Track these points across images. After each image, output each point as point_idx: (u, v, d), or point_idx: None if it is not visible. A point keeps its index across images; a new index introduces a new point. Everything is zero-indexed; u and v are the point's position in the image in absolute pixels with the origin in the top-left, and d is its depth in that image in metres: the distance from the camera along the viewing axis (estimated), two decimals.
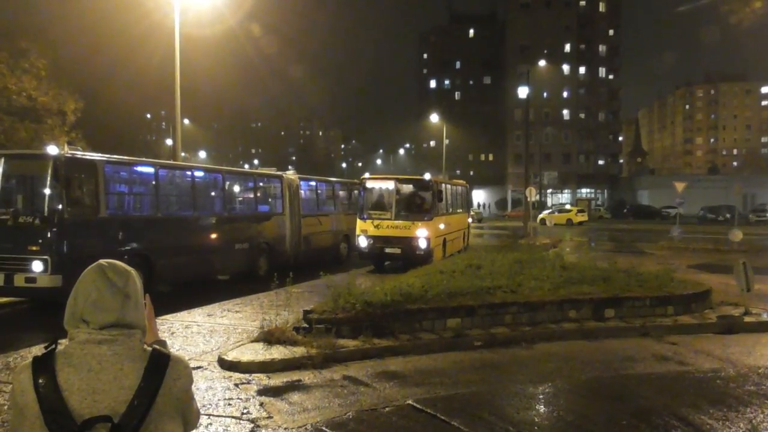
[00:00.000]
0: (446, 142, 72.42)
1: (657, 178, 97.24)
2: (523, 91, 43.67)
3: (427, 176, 19.88)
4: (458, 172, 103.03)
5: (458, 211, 24.61)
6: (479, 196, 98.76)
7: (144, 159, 14.57)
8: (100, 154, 13.18)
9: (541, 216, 60.97)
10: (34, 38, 22.23)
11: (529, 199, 39.15)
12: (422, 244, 18.44)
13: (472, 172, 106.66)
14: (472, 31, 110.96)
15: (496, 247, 20.13)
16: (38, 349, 6.95)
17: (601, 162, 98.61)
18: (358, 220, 19.21)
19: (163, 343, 2.16)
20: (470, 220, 29.47)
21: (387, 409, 6.74)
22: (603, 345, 10.08)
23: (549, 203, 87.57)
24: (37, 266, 11.34)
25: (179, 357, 1.98)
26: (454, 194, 23.94)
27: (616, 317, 11.25)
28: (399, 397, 7.13)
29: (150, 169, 14.35)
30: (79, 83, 25.20)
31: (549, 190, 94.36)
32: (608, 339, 10.38)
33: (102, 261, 2.00)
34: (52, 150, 11.76)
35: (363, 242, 18.95)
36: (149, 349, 1.94)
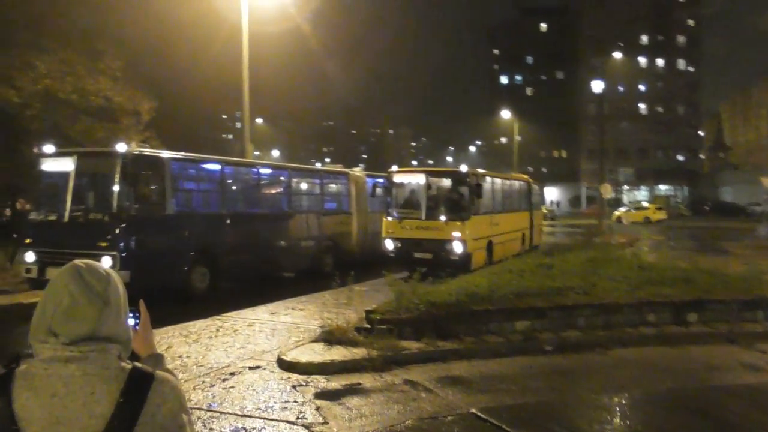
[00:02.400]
0: (518, 138, 71.15)
1: (741, 174, 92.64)
2: (597, 85, 42.18)
3: (464, 168, 16.80)
4: (530, 168, 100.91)
5: (514, 208, 21.73)
6: (552, 194, 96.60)
7: (210, 156, 14.61)
8: (167, 151, 13.27)
9: (616, 213, 59.04)
10: (109, 40, 22.76)
11: (603, 196, 37.86)
12: (457, 247, 15.67)
13: (544, 169, 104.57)
14: (543, 25, 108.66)
15: (569, 246, 19.41)
16: None
17: (680, 157, 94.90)
18: (384, 220, 16.76)
19: (158, 358, 1.87)
20: (532, 218, 26.26)
21: (449, 417, 6.37)
22: (685, 352, 9.39)
23: (625, 200, 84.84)
24: (106, 262, 11.44)
25: (165, 377, 1.67)
26: (508, 190, 21.14)
27: (700, 322, 10.49)
28: (462, 404, 6.74)
29: (216, 166, 14.38)
30: (152, 83, 25.69)
31: (625, 187, 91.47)
32: (691, 345, 9.67)
33: (78, 261, 1.71)
34: (120, 147, 11.87)
35: (390, 245, 16.50)
36: (128, 367, 1.63)
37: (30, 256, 12.14)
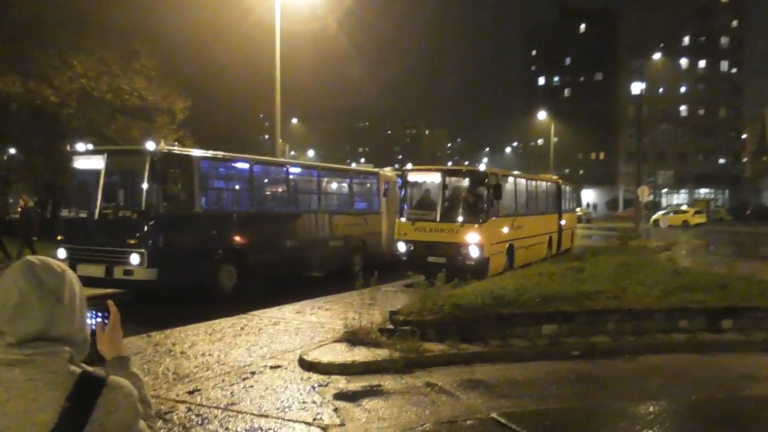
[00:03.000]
0: (554, 140, 70.36)
1: None
2: (636, 87, 41.46)
3: (483, 167, 15.84)
4: (567, 171, 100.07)
5: (541, 211, 20.53)
6: (589, 196, 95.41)
7: (239, 155, 14.65)
8: (196, 150, 13.34)
9: (654, 217, 57.97)
10: (145, 40, 23.06)
11: (641, 199, 37.17)
12: (473, 252, 14.59)
13: (581, 171, 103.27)
14: (582, 26, 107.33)
15: (602, 249, 19.05)
16: (131, 342, 6.92)
17: (721, 161, 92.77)
18: (397, 221, 15.83)
19: (123, 361, 1.78)
20: (560, 221, 23.90)
21: (468, 422, 6.22)
22: (718, 360, 9.08)
23: (663, 204, 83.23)
24: (134, 259, 11.58)
25: (119, 383, 1.56)
26: (533, 191, 20.02)
27: (735, 329, 10.13)
28: (483, 408, 6.59)
29: (245, 165, 14.42)
30: (187, 83, 25.97)
31: (664, 190, 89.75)
32: (724, 354, 9.35)
33: (31, 257, 1.63)
34: (149, 145, 11.97)
35: (402, 248, 15.48)
36: (78, 371, 1.53)
37: (61, 253, 12.30)
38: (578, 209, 68.31)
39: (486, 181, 15.15)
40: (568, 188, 25.69)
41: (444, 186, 15.41)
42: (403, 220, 15.68)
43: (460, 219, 15.14)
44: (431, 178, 15.93)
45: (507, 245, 16.22)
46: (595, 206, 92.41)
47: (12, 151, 27.95)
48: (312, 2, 22.95)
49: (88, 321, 1.80)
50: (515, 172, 19.65)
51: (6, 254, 17.11)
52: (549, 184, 22.46)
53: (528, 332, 9.34)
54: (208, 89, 30.48)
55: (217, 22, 26.93)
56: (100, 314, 1.83)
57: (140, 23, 23.10)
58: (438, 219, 15.13)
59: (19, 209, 18.24)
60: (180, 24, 25.34)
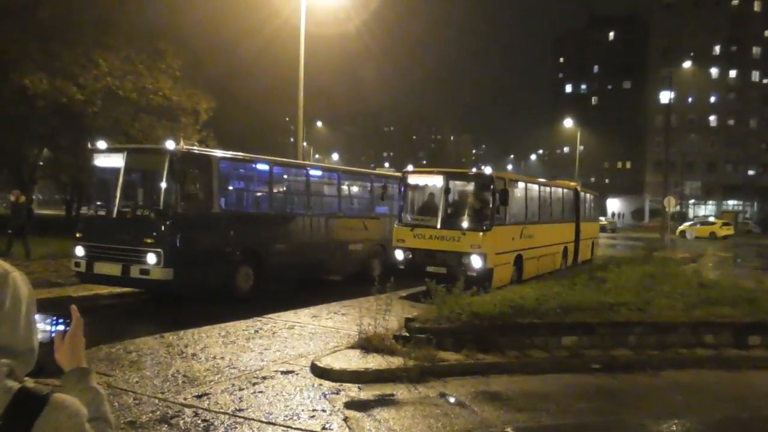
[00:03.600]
0: (580, 148, 69.68)
1: None
2: (665, 96, 40.94)
3: (488, 170, 14.44)
4: (592, 179, 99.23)
5: (556, 219, 19.23)
6: (614, 205, 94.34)
7: (259, 156, 14.56)
8: (216, 150, 13.27)
9: (681, 228, 57.05)
10: (171, 40, 23.16)
11: (667, 210, 36.58)
12: (475, 262, 13.49)
13: (607, 180, 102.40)
14: (612, 34, 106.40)
15: (627, 259, 18.67)
16: (143, 342, 6.82)
17: (750, 172, 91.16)
18: (395, 227, 14.76)
19: (83, 373, 1.61)
20: (578, 230, 21.91)
21: None
22: (744, 377, 8.77)
23: (690, 215, 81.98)
24: (151, 258, 11.49)
25: (62, 401, 1.39)
26: (547, 198, 18.70)
27: (762, 345, 9.79)
28: (497, 422, 6.37)
29: (265, 167, 14.33)
30: (212, 84, 26.07)
31: (691, 201, 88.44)
32: (751, 370, 9.03)
33: None
34: (169, 145, 11.90)
35: (399, 256, 14.42)
36: (15, 387, 1.36)
37: (79, 251, 12.28)
38: (603, 218, 67.76)
39: (491, 185, 14.00)
40: (588, 196, 24.61)
41: (446, 190, 14.34)
42: (401, 225, 14.65)
43: (463, 226, 14.02)
44: (432, 182, 14.89)
45: (515, 255, 15.10)
46: (621, 215, 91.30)
47: (44, 149, 28.25)
48: (338, 5, 22.87)
49: (48, 327, 1.64)
50: (525, 177, 18.70)
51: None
52: (565, 191, 21.11)
53: (547, 343, 9.09)
54: (232, 91, 30.59)
55: (243, 24, 27.02)
56: (61, 320, 1.66)
57: (167, 23, 23.23)
58: (438, 225, 14.07)
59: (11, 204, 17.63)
60: (206, 25, 25.46)
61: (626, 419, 6.95)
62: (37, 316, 1.62)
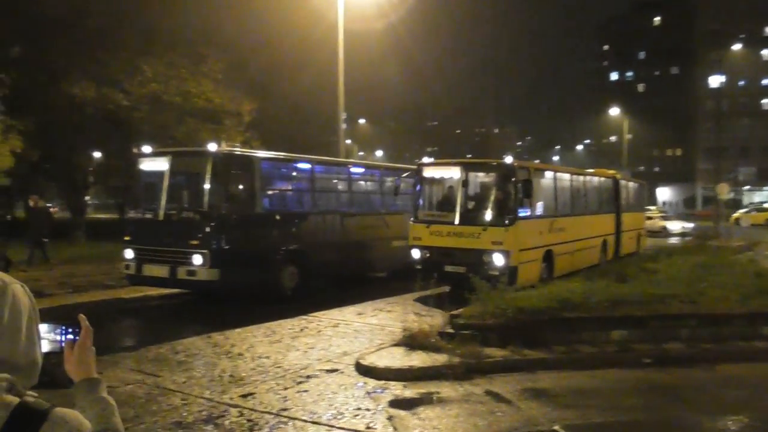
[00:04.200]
0: (628, 137, 68.27)
1: None
2: (715, 80, 39.82)
3: (509, 159, 13.46)
4: (641, 168, 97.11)
5: (592, 210, 17.99)
6: (664, 194, 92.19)
7: (300, 155, 14.62)
8: (258, 151, 13.37)
9: (735, 215, 55.35)
10: (211, 43, 23.44)
11: (720, 197, 35.52)
12: (497, 260, 12.44)
13: (657, 168, 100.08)
14: (657, 18, 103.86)
15: (678, 249, 18.18)
16: (191, 342, 6.90)
17: None
18: (411, 224, 13.89)
19: (92, 384, 1.58)
20: (619, 222, 20.40)
21: None
22: None
23: (745, 201, 79.55)
24: (197, 260, 11.64)
25: (63, 416, 1.34)
26: (580, 188, 17.39)
27: None
28: (544, 420, 6.24)
29: (306, 165, 14.39)
30: (253, 85, 26.29)
31: (746, 187, 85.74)
32: None
33: None
34: (212, 147, 12.04)
35: (416, 255, 13.50)
36: (14, 402, 1.32)
37: (129, 253, 12.53)
38: (653, 208, 66.21)
39: (513, 176, 12.93)
40: (631, 185, 23.49)
41: (464, 183, 13.29)
42: (417, 222, 13.73)
43: (483, 221, 13.06)
44: (450, 174, 13.84)
45: (543, 251, 13.98)
46: (672, 204, 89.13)
47: (97, 154, 28.96)
48: (377, 1, 22.82)
49: (57, 337, 1.62)
50: (555, 166, 18.28)
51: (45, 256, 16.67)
52: (603, 180, 19.80)
53: (595, 338, 8.88)
54: (275, 91, 30.80)
55: (282, 24, 27.13)
56: (70, 330, 1.63)
57: (207, 28, 23.48)
58: (457, 221, 13.08)
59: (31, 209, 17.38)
60: (245, 27, 25.66)
61: (680, 416, 6.74)
62: (46, 326, 1.60)
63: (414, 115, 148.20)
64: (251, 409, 6.40)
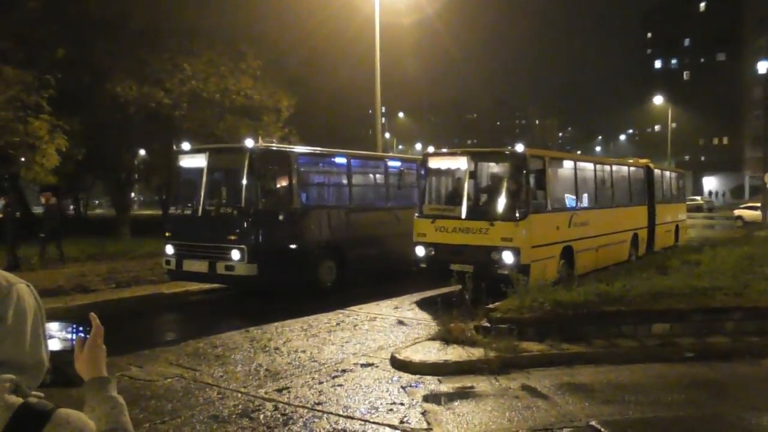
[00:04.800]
0: (672, 126, 66.78)
1: None
2: (763, 66, 38.61)
3: (520, 148, 12.38)
4: (687, 157, 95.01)
5: (620, 203, 16.78)
6: (710, 184, 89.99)
7: (337, 150, 14.66)
8: (294, 146, 13.43)
9: None
10: (250, 40, 23.66)
11: None
12: (506, 257, 11.57)
13: (703, 158, 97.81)
14: (702, 4, 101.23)
15: (723, 241, 17.72)
16: (229, 337, 6.99)
17: None
18: (415, 219, 12.89)
19: (101, 383, 1.57)
20: (653, 215, 18.92)
21: (564, 429, 5.80)
22: None
23: None
24: (235, 255, 11.77)
25: (66, 417, 1.32)
26: (605, 178, 16.19)
27: None
28: (581, 415, 6.13)
29: (343, 160, 14.41)
30: (292, 80, 26.49)
31: None
32: None
33: None
34: (249, 143, 12.14)
35: (420, 252, 12.69)
36: (17, 402, 1.31)
37: (169, 249, 12.72)
38: (698, 198, 64.66)
39: (525, 166, 11.96)
40: (668, 174, 22.07)
41: (471, 174, 12.41)
42: (421, 217, 12.78)
43: (491, 215, 12.11)
44: (456, 165, 12.85)
45: (562, 247, 12.95)
46: (718, 194, 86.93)
47: (142, 152, 29.52)
48: None
49: (68, 336, 1.62)
50: (575, 155, 16.75)
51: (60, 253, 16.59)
52: (633, 169, 18.36)
53: (636, 332, 8.72)
54: (313, 86, 30.97)
55: (319, 18, 27.24)
56: (81, 328, 1.63)
57: (245, 25, 23.71)
58: (463, 216, 12.12)
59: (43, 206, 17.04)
60: (283, 23, 25.83)
61: (724, 411, 6.55)
62: (56, 325, 1.61)
63: (453, 108, 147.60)
64: (286, 403, 6.44)
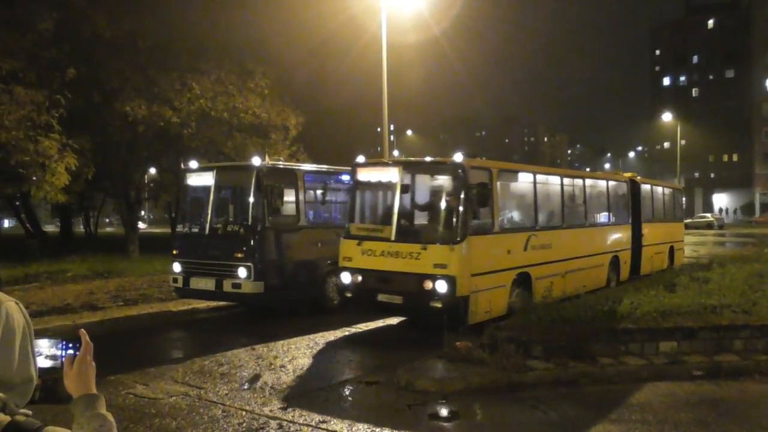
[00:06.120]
0: (682, 142, 66.67)
1: None
2: None
3: (459, 157, 10.50)
4: (696, 174, 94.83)
5: (597, 221, 15.21)
6: (721, 200, 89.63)
7: (344, 168, 14.65)
8: (301, 164, 13.48)
9: None
10: (257, 59, 23.85)
11: None
12: (441, 288, 9.77)
13: (712, 175, 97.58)
14: (711, 22, 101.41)
15: (732, 258, 17.59)
16: (235, 354, 6.97)
17: None
18: (341, 240, 11.23)
19: (91, 400, 1.57)
20: (638, 235, 16.86)
21: None
22: None
23: None
24: (241, 272, 11.80)
25: None
26: (577, 194, 14.19)
27: None
28: None
29: (349, 177, 14.42)
30: (299, 98, 26.65)
31: None
32: None
33: None
34: (255, 161, 12.21)
35: (345, 279, 10.98)
36: (4, 421, 1.31)
37: (176, 267, 12.76)
38: (708, 215, 64.35)
39: (464, 178, 10.09)
40: (660, 189, 19.73)
41: (404, 188, 10.78)
42: (347, 238, 11.08)
43: (424, 238, 10.46)
44: (387, 177, 11.01)
45: (514, 275, 11.10)
46: (728, 211, 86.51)
47: (152, 170, 29.72)
48: (419, 13, 22.91)
49: (57, 352, 1.63)
50: (533, 166, 14.16)
51: None
52: (613, 183, 16.31)
53: (644, 350, 8.63)
54: (321, 104, 31.15)
55: (327, 37, 27.46)
56: (71, 345, 1.64)
57: (253, 43, 23.89)
58: (393, 237, 10.39)
59: None
60: (291, 42, 26.04)
61: (733, 431, 6.48)
62: (46, 341, 1.62)
63: (461, 125, 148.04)
64: (290, 421, 6.41)
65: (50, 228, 42.08)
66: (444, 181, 11.08)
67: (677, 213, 21.29)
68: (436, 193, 11.37)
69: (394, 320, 12.27)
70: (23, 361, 1.44)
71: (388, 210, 10.97)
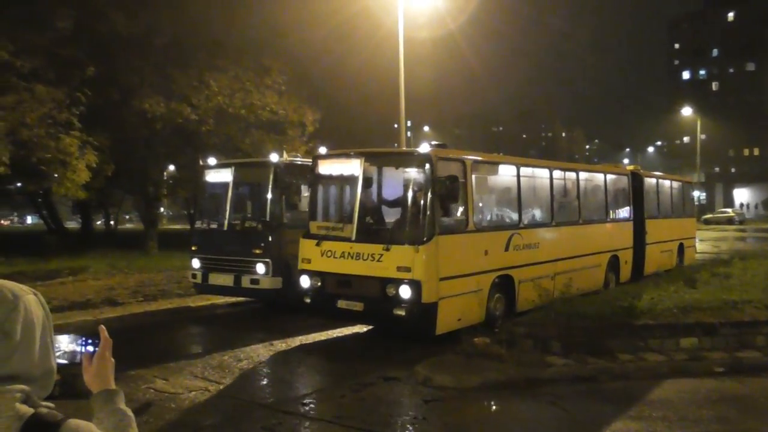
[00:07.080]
0: (701, 137, 65.96)
1: None
2: None
3: (425, 148, 9.57)
4: (716, 169, 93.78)
5: (594, 218, 14.07)
6: (742, 195, 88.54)
7: None
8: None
9: None
10: (275, 56, 23.92)
11: None
12: (405, 293, 8.78)
13: (733, 169, 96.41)
14: (731, 14, 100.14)
15: (754, 253, 17.38)
16: (253, 350, 6.99)
17: None
18: (301, 240, 10.26)
19: (110, 395, 1.58)
20: (641, 232, 15.54)
21: None
22: None
23: None
24: (260, 268, 11.83)
25: (75, 428, 1.33)
26: (569, 188, 13.13)
27: None
28: (607, 431, 6.04)
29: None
30: (316, 95, 26.71)
31: None
32: None
33: None
34: (272, 157, 12.25)
35: (305, 283, 10.03)
36: (27, 412, 1.32)
37: (195, 263, 12.83)
38: (729, 210, 63.64)
39: (432, 171, 8.96)
40: (667, 183, 18.35)
41: (366, 182, 9.92)
42: (306, 238, 10.13)
43: (386, 237, 9.34)
44: (349, 170, 9.90)
45: (493, 278, 10.04)
46: (753, 206, 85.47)
47: (171, 167, 29.92)
48: (436, 8, 22.84)
49: (77, 348, 1.64)
50: (514, 158, 12.96)
51: None
52: (612, 177, 15.16)
53: (663, 346, 8.56)
54: (338, 101, 31.21)
55: (343, 33, 27.47)
56: (90, 341, 1.65)
57: (270, 41, 23.98)
58: (353, 237, 9.43)
59: None
60: (308, 38, 26.09)
61: (755, 428, 6.41)
62: (66, 337, 1.63)
63: (478, 120, 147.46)
64: (307, 417, 6.43)
65: (71, 224, 42.49)
66: (410, 174, 9.96)
67: (687, 208, 20.07)
68: (401, 187, 10.21)
69: None
70: (43, 354, 1.45)
71: (350, 206, 10.01)
